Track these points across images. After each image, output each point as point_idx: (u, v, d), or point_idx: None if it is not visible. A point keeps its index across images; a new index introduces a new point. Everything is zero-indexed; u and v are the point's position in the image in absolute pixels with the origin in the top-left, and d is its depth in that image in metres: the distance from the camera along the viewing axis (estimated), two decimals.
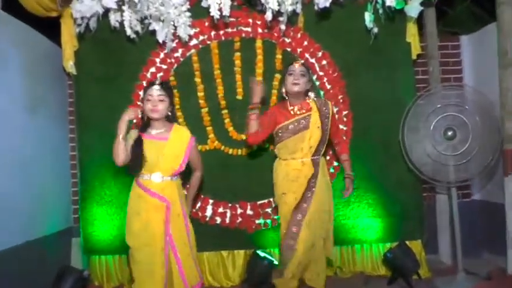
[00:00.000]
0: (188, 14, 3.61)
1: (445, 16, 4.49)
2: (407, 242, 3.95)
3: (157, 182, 2.98)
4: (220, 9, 3.28)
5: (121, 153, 2.86)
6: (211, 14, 3.26)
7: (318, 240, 3.31)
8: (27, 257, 3.56)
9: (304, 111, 3.29)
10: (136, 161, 2.95)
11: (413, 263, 3.82)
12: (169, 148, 3.01)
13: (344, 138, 3.58)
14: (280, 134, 3.31)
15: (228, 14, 3.31)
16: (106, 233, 4.06)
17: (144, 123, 3.04)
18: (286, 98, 3.36)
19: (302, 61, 3.36)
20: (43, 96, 4.07)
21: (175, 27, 3.61)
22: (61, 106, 4.42)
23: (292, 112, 3.31)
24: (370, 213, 4.08)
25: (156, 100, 2.97)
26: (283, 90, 3.35)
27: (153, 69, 4.06)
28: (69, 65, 4.05)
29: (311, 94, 3.35)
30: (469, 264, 4.04)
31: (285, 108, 3.35)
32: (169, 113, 3.06)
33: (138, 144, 2.95)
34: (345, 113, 4.07)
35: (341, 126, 4.01)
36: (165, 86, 3.05)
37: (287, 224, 3.29)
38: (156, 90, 2.99)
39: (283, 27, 3.84)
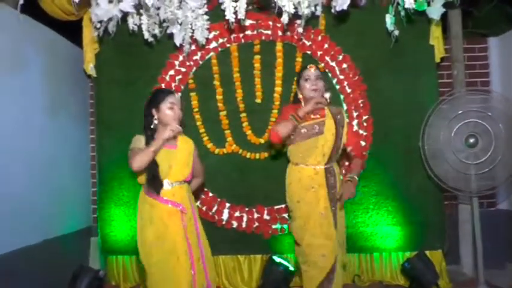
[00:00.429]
0: (206, 17, 3.58)
1: (473, 17, 4.34)
2: (427, 252, 3.87)
3: (167, 189, 2.93)
4: (235, 13, 3.23)
5: (144, 164, 2.81)
6: (227, 18, 3.22)
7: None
8: (45, 255, 3.63)
9: (318, 116, 3.17)
10: (156, 182, 2.90)
11: (433, 274, 3.72)
12: (180, 156, 2.97)
13: (363, 143, 3.35)
14: (292, 137, 3.19)
15: (243, 17, 3.26)
16: (123, 234, 4.11)
17: (152, 135, 2.94)
18: (302, 102, 3.27)
19: (315, 65, 3.26)
20: (64, 98, 4.15)
21: (193, 31, 3.58)
22: (82, 108, 4.49)
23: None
24: (390, 220, 3.99)
25: (178, 108, 2.94)
26: (300, 95, 3.25)
27: (172, 72, 4.07)
28: (90, 68, 4.12)
29: (327, 95, 3.21)
30: (492, 276, 3.94)
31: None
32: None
33: (154, 163, 2.88)
34: (365, 117, 3.99)
35: (361, 132, 3.97)
36: (175, 94, 3.03)
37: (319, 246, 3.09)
38: (177, 99, 2.96)
39: (300, 30, 3.80)
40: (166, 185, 2.92)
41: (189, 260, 2.88)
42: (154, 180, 2.90)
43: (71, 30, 4.17)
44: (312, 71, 3.20)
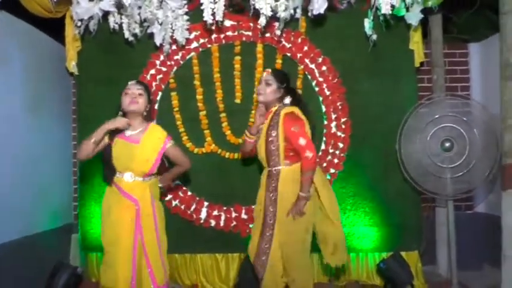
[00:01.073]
0: (186, 17, 3.62)
1: (454, 23, 4.37)
2: (403, 253, 3.91)
3: (128, 181, 2.97)
4: (213, 14, 3.27)
5: (85, 153, 2.93)
6: (204, 19, 3.26)
7: (288, 246, 3.11)
8: (25, 251, 3.66)
9: (265, 121, 3.17)
10: (107, 171, 3.00)
11: (407, 274, 3.75)
12: (140, 152, 2.97)
13: (308, 153, 2.93)
14: None
15: (221, 19, 3.30)
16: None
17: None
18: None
19: (272, 70, 3.22)
20: (47, 95, 4.18)
21: (173, 31, 3.61)
22: (64, 105, 4.52)
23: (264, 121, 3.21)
24: (367, 221, 4.03)
25: (135, 93, 2.99)
26: None
27: (153, 71, 4.10)
28: (72, 65, 4.14)
29: (286, 100, 3.14)
30: (468, 278, 4.01)
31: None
32: (146, 111, 3.07)
33: (108, 154, 2.99)
34: (343, 120, 4.02)
35: (339, 133, 4.00)
36: (142, 83, 3.14)
37: (257, 239, 3.17)
38: (134, 85, 3.04)
39: (278, 32, 3.84)
40: (128, 177, 2.96)
41: (131, 258, 2.93)
42: (104, 170, 3.01)
43: (54, 28, 4.16)
44: (264, 74, 3.19)
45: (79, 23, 3.59)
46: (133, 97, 2.98)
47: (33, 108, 3.90)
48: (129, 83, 3.07)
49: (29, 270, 3.65)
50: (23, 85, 3.79)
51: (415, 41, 4.01)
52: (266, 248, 3.10)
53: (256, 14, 3.40)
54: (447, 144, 3.62)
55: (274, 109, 3.13)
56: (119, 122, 2.96)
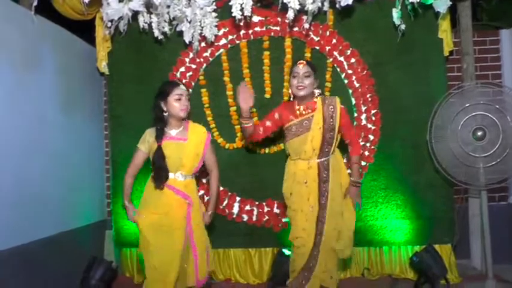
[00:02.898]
0: (214, 14, 3.66)
1: (484, 10, 4.30)
2: (436, 246, 3.87)
3: (181, 180, 3.04)
4: (242, 10, 3.30)
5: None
6: (233, 15, 3.29)
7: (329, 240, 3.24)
8: (61, 247, 3.74)
9: (309, 111, 3.20)
10: (161, 174, 3.02)
11: (441, 267, 3.72)
12: (190, 148, 3.06)
13: (359, 140, 3.39)
14: (286, 134, 3.29)
15: (249, 14, 3.33)
16: (136, 227, 4.14)
17: (161, 128, 3.07)
18: (291, 98, 3.31)
19: (305, 61, 3.24)
20: (79, 95, 4.26)
21: (202, 28, 3.65)
22: (96, 105, 4.59)
23: (298, 112, 3.23)
24: (399, 214, 4.00)
25: (185, 99, 3.06)
26: (290, 91, 3.28)
27: (182, 69, 4.13)
28: (103, 65, 4.23)
29: (316, 91, 3.22)
30: (504, 271, 3.95)
31: (291, 108, 3.27)
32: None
33: (160, 156, 3.01)
34: (373, 112, 4.00)
35: (369, 126, 3.98)
36: (185, 86, 3.15)
37: (304, 238, 3.21)
38: (184, 90, 3.08)
39: (306, 26, 3.83)
40: (180, 176, 3.03)
41: (181, 253, 2.98)
42: (159, 174, 3.02)
43: (85, 30, 4.27)
44: (300, 67, 3.18)
45: (109, 24, 3.65)
46: (185, 104, 3.05)
47: (65, 108, 3.98)
48: (181, 86, 3.09)
49: (65, 266, 3.74)
50: (55, 86, 3.86)
51: (444, 29, 3.96)
52: (318, 242, 3.20)
53: (284, 8, 3.43)
54: (479, 133, 3.56)
55: (317, 99, 3.21)
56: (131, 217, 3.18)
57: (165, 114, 3.06)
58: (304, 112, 3.20)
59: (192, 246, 3.05)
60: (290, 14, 3.34)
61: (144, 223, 3.04)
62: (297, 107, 3.24)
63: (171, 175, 3.03)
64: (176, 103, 3.02)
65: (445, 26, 3.95)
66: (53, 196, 3.74)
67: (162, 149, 3.01)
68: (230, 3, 3.33)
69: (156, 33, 3.77)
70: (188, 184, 3.08)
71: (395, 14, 3.58)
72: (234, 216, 4.10)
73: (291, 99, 3.30)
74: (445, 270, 3.74)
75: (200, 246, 3.07)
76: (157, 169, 3.02)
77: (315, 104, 3.20)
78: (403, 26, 3.56)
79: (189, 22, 3.65)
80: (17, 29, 3.40)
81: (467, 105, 3.58)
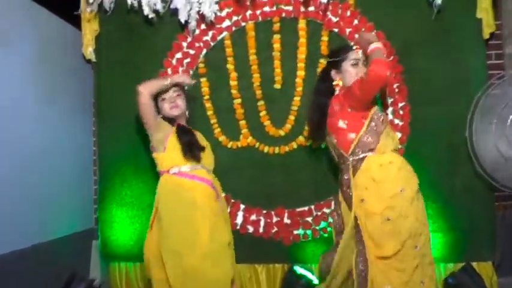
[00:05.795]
0: None
1: None
2: (474, 264, 3.38)
3: (207, 171, 2.95)
4: None
5: (154, 88, 2.87)
6: None
7: None
8: (37, 261, 3.25)
9: None
10: (194, 147, 2.90)
11: None
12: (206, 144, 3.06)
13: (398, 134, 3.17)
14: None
15: None
16: (126, 237, 3.72)
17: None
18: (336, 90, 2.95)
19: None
20: (62, 85, 3.75)
21: (201, 4, 3.14)
22: (84, 96, 4.08)
23: None
24: (431, 226, 3.39)
25: (173, 96, 2.94)
26: (337, 80, 2.94)
27: (179, 55, 3.64)
28: (89, 51, 3.77)
29: None
30: None
31: None
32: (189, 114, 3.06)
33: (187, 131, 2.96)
34: (401, 105, 3.51)
35: (396, 121, 3.55)
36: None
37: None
38: (169, 89, 2.97)
39: (324, 0, 3.30)
40: (206, 168, 2.95)
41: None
42: (191, 146, 2.88)
43: (71, 11, 3.77)
44: (360, 54, 2.89)
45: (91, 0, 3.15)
46: (172, 101, 2.94)
47: (46, 100, 3.50)
48: (170, 90, 2.99)
49: (41, 283, 3.23)
50: (31, 75, 3.37)
51: (484, 7, 3.47)
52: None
53: None
54: None
55: None
56: (179, 77, 3.04)
57: (160, 116, 2.96)
58: None
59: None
60: None
61: (194, 226, 2.87)
62: None
63: (199, 166, 2.91)
64: (162, 103, 2.97)
65: (485, 3, 3.46)
66: (28, 202, 3.24)
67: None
68: None
69: (146, 10, 3.32)
70: (213, 178, 3.03)
71: None
72: (238, 227, 3.60)
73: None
74: None
75: None
76: (187, 143, 2.88)
77: None
78: (439, 1, 3.05)
79: None
80: None
81: None
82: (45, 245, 3.37)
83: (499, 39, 3.77)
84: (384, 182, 2.71)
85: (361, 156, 2.77)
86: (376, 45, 2.74)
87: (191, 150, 2.85)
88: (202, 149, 2.95)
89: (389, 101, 3.50)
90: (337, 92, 2.92)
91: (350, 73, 2.87)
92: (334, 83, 2.95)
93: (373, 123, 2.78)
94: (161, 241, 2.81)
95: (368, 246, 2.70)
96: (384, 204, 2.67)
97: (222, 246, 2.82)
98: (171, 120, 2.95)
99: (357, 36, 3.36)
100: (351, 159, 2.80)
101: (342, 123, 2.80)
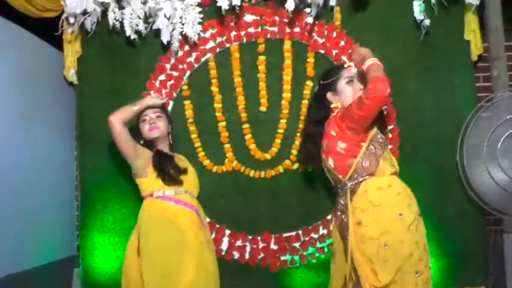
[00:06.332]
0: (198, 9, 3.11)
1: None
2: None
3: (191, 197, 2.89)
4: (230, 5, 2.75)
5: (125, 115, 2.80)
6: (218, 4, 2.72)
7: None
8: None
9: None
10: (173, 171, 2.83)
11: None
12: (190, 168, 2.99)
13: None
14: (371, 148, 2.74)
15: (238, 4, 2.75)
16: (108, 265, 3.57)
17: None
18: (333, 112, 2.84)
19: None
20: (43, 108, 3.66)
21: (183, 25, 3.08)
22: (66, 120, 3.98)
23: None
24: None
25: (153, 118, 2.90)
26: (334, 103, 2.85)
27: (162, 77, 3.55)
28: (71, 74, 3.66)
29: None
30: None
31: None
32: (170, 135, 3.02)
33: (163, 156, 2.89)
34: (390, 128, 3.43)
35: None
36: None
37: None
38: (149, 110, 2.93)
39: (310, 20, 3.26)
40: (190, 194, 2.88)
41: None
42: (167, 172, 2.81)
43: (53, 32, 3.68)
44: (353, 71, 2.84)
45: (72, 20, 3.06)
46: (152, 122, 2.89)
47: (27, 122, 3.41)
48: (147, 111, 2.97)
49: None
50: (14, 96, 3.29)
51: (472, 29, 3.43)
52: None
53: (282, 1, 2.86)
54: None
55: None
56: (149, 100, 2.94)
57: (142, 141, 2.94)
58: None
59: None
60: (290, 4, 2.79)
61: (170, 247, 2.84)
62: None
63: (180, 191, 2.86)
64: (143, 125, 2.94)
65: (473, 25, 3.43)
66: (5, 229, 3.10)
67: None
68: None
69: (129, 31, 3.21)
70: (196, 203, 2.99)
71: (417, 7, 3.05)
72: (223, 253, 3.47)
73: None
74: None
75: None
76: (167, 168, 2.84)
77: None
78: (427, 22, 3.02)
79: (168, 18, 3.07)
80: None
81: (508, 116, 3.02)
82: (23, 274, 3.23)
83: (487, 62, 3.72)
84: (381, 206, 2.60)
85: (359, 180, 2.67)
86: (372, 61, 2.67)
87: (169, 176, 2.78)
88: (184, 171, 2.86)
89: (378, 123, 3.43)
90: (334, 114, 2.82)
91: (346, 92, 2.80)
92: (332, 106, 2.85)
93: (371, 147, 2.67)
94: (143, 267, 2.70)
95: (362, 276, 2.58)
96: (381, 228, 2.55)
97: (207, 277, 2.74)
98: (150, 144, 2.88)
99: (350, 51, 3.31)
100: (348, 184, 2.68)
101: (340, 147, 2.67)
